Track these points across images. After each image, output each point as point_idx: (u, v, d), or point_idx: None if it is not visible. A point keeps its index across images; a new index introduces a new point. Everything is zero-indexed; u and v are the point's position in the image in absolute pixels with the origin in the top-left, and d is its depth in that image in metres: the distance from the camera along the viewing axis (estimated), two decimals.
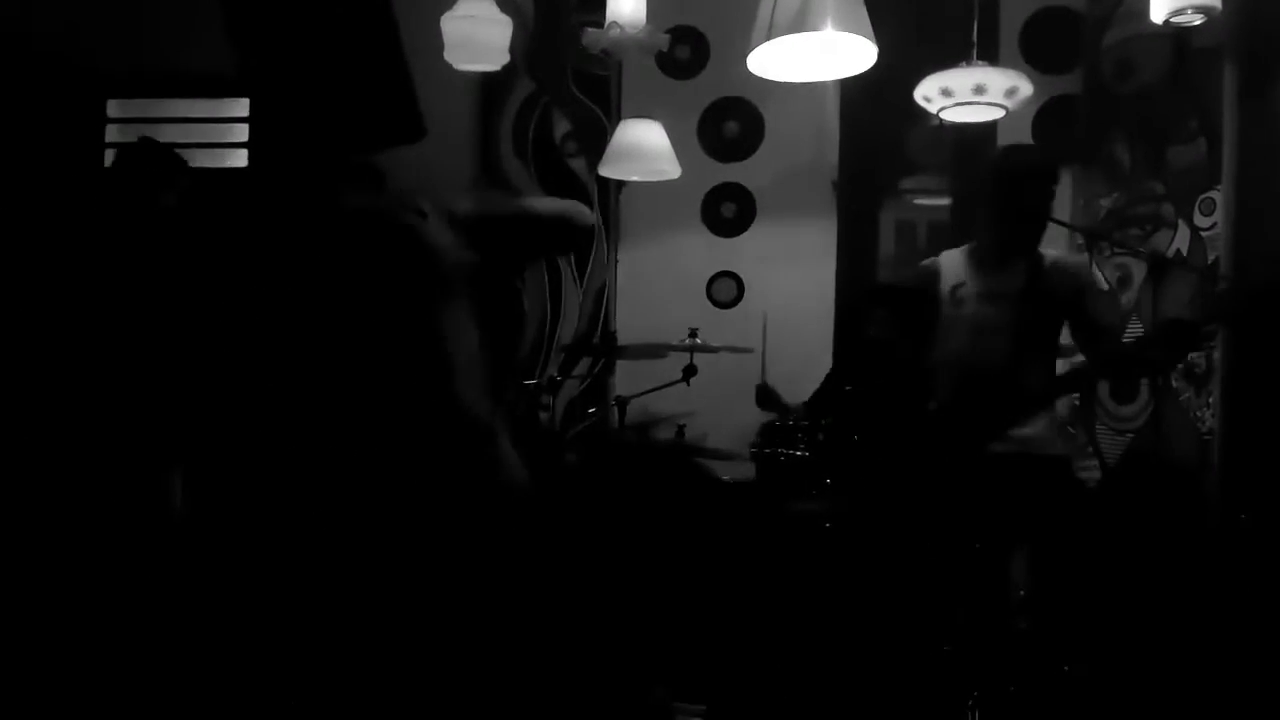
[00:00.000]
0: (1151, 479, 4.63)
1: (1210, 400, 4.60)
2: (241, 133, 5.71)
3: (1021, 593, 4.35)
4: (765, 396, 4.36)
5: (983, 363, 3.70)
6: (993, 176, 3.83)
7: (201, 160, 5.25)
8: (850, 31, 3.02)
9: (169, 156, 3.78)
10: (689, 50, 5.66)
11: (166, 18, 5.45)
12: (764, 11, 3.02)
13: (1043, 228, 3.74)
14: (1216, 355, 4.57)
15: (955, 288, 3.85)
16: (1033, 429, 3.65)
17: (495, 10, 4.06)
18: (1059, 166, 3.85)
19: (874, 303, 4.38)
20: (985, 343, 3.72)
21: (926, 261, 4.01)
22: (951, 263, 3.91)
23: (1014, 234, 3.75)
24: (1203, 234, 4.70)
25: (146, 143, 3.80)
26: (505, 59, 4.09)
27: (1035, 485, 3.64)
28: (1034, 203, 3.73)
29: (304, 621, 2.13)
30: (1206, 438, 4.60)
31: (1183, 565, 4.24)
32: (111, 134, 5.83)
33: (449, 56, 4.00)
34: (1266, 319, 4.27)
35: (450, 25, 3.97)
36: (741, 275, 5.65)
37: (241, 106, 5.69)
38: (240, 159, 5.64)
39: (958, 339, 3.81)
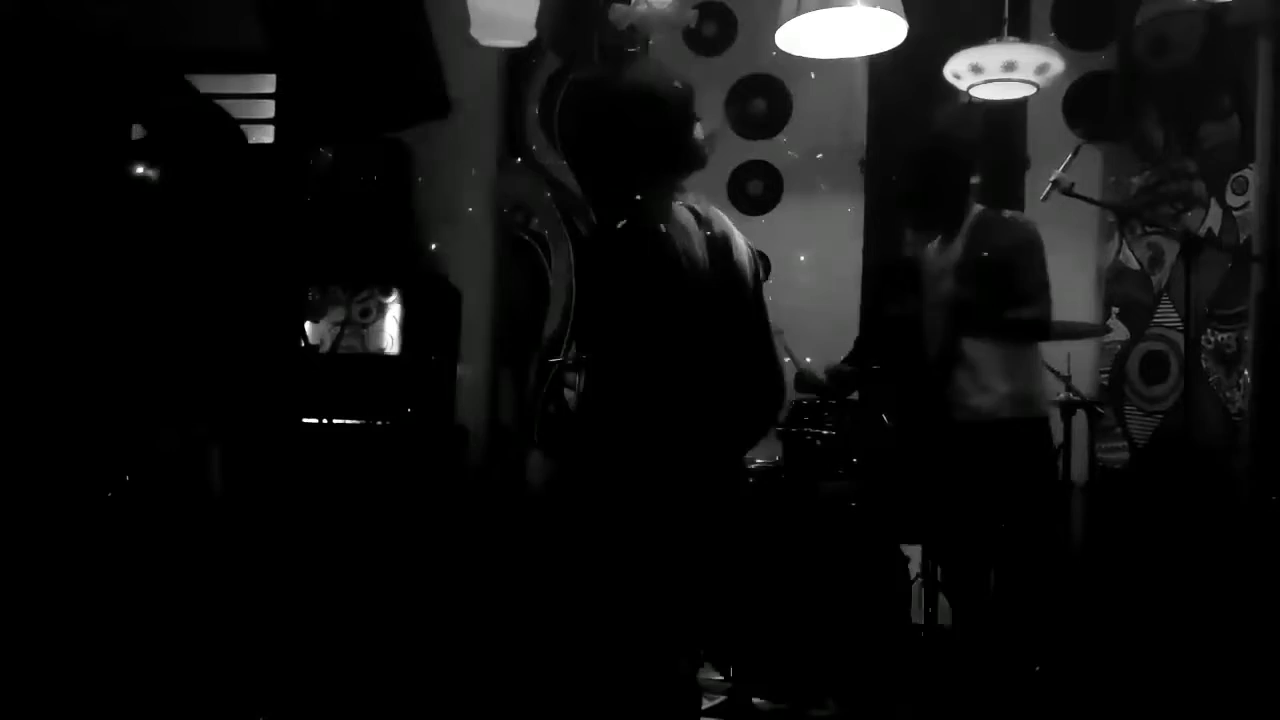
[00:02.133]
0: (1181, 460, 4.60)
1: (1241, 381, 4.56)
2: (268, 109, 5.71)
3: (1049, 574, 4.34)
4: (804, 382, 4.35)
5: (932, 336, 3.92)
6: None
7: None
8: (880, 7, 3.00)
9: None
10: (716, 26, 5.63)
11: None
12: None
13: (922, 212, 4.01)
14: (1248, 336, 4.53)
15: (927, 270, 4.04)
16: (1007, 390, 3.72)
17: None
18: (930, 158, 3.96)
19: (887, 280, 4.42)
20: (933, 317, 3.93)
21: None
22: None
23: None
24: (1235, 213, 4.65)
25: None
26: (532, 34, 4.07)
27: (999, 451, 3.71)
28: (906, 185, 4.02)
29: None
30: (1237, 419, 4.56)
31: (1213, 546, 4.21)
32: None
33: (475, 32, 3.98)
34: None
35: (477, 0, 3.96)
36: (768, 253, 5.63)
37: (268, 83, 5.68)
38: (267, 135, 5.64)
39: (927, 317, 3.99)
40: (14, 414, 3.69)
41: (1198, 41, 4.88)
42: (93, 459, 3.70)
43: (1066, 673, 3.89)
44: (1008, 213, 3.96)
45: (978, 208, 3.91)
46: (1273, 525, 4.08)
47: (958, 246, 3.87)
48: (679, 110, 2.64)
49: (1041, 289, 3.79)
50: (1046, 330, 3.81)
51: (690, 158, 2.63)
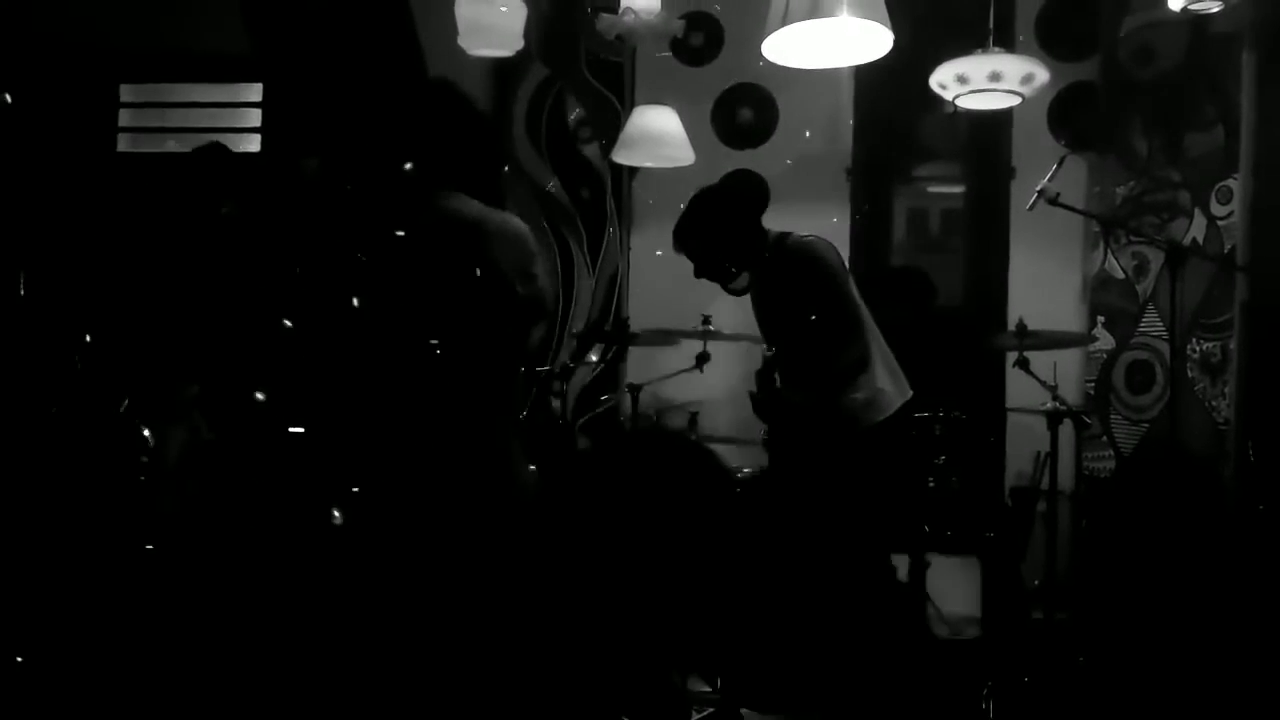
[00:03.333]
0: (1167, 469, 4.61)
1: (1226, 390, 4.58)
2: (255, 118, 5.70)
3: (1036, 583, 4.34)
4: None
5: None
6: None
7: None
8: (866, 18, 3.01)
9: (233, 161, 3.82)
10: (703, 36, 5.63)
11: (180, 1, 5.44)
12: None
13: (704, 264, 4.04)
14: (1233, 345, 4.55)
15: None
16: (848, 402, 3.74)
17: None
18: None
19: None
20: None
21: None
22: None
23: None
24: (1219, 222, 4.67)
25: (216, 148, 3.83)
26: (519, 44, 4.07)
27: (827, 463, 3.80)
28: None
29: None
30: (1222, 427, 4.58)
31: (1199, 555, 4.22)
32: (124, 118, 5.82)
33: (463, 41, 3.98)
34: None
35: (465, 10, 3.95)
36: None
37: (255, 91, 5.68)
38: (254, 144, 5.63)
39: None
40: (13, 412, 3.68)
41: (1182, 52, 4.90)
42: (88, 450, 3.68)
43: (1056, 680, 3.89)
44: (808, 236, 3.90)
45: (776, 234, 3.94)
46: (1258, 533, 4.10)
47: (755, 279, 4.00)
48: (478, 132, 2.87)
49: (838, 316, 3.71)
50: (864, 364, 3.72)
51: (485, 183, 2.86)
